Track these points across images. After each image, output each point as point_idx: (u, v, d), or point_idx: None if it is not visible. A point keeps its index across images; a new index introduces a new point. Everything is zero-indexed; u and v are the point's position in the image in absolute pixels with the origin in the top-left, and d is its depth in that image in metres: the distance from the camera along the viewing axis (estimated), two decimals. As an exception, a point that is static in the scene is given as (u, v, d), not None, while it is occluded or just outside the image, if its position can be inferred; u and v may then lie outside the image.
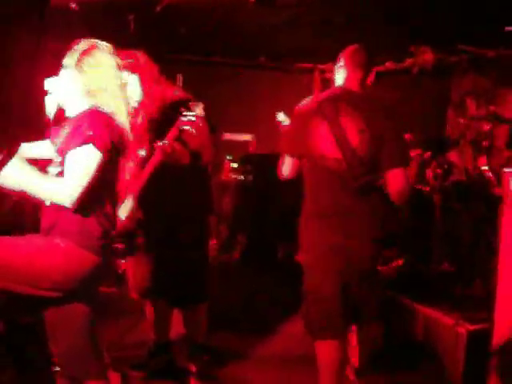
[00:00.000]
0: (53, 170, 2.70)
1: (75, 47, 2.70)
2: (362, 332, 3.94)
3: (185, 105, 3.54)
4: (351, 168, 3.13)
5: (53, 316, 2.71)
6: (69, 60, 2.72)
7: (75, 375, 2.79)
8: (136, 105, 3.66)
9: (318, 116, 3.24)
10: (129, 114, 2.83)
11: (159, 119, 3.65)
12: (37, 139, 2.90)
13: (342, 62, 3.41)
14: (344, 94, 3.30)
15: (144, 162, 3.57)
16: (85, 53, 2.70)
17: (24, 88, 3.87)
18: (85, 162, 2.53)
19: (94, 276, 2.69)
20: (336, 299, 3.21)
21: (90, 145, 2.52)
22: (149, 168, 3.51)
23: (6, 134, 3.87)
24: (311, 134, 3.26)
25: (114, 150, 2.63)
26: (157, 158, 3.52)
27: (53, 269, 2.58)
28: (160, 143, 3.48)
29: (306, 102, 3.44)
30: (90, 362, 2.78)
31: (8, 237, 2.68)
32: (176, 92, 3.89)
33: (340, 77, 3.39)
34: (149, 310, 4.08)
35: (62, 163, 2.61)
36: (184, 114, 3.52)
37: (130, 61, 3.61)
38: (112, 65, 2.75)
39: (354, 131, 3.14)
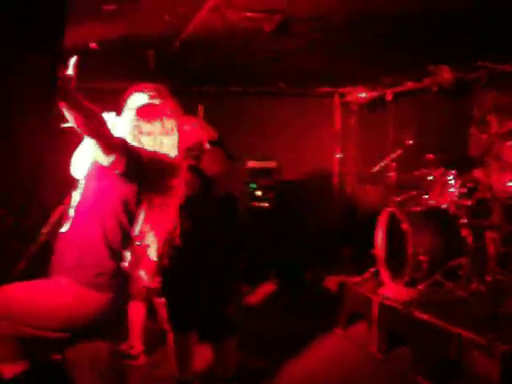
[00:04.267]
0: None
1: None
2: None
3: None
4: None
5: (74, 356, 2.71)
6: None
7: None
8: None
9: None
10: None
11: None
12: None
13: None
14: None
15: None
16: None
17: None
18: None
19: (105, 314, 2.67)
20: None
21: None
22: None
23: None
24: None
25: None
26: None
27: (56, 310, 2.60)
28: None
29: None
30: None
31: (16, 283, 2.71)
32: (194, 125, 3.92)
33: None
34: (173, 344, 4.05)
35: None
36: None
37: (152, 91, 3.67)
38: None
39: None
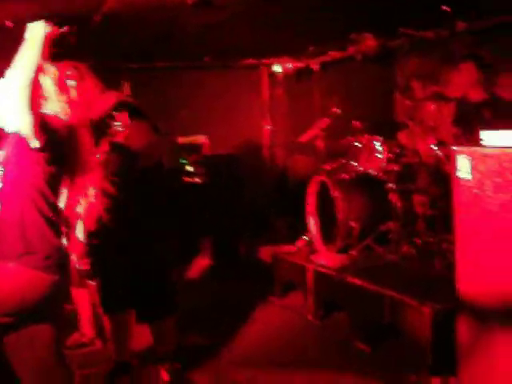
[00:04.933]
0: None
1: None
2: None
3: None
4: None
5: (14, 340, 2.65)
6: None
7: None
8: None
9: None
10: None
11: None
12: None
13: None
14: None
15: None
16: None
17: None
18: None
19: (52, 296, 2.65)
20: None
21: None
22: None
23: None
24: None
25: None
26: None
27: (7, 295, 2.56)
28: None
29: None
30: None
31: None
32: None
33: None
34: (109, 327, 4.02)
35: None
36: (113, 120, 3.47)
37: (71, 70, 3.60)
38: None
39: None
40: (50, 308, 2.70)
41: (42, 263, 2.61)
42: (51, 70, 2.89)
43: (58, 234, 2.74)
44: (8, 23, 4.89)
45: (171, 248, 4.31)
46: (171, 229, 4.38)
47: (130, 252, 3.79)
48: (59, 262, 2.68)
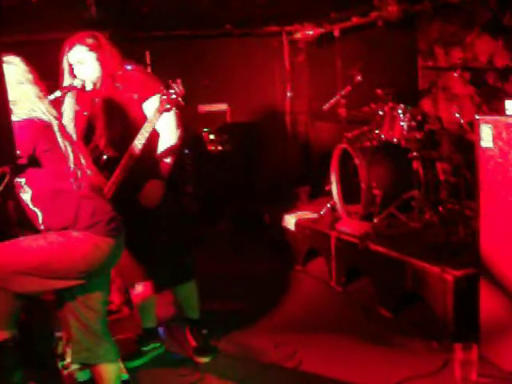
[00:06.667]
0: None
1: None
2: None
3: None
4: None
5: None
6: None
7: (87, 361, 3.02)
8: (91, 85, 3.68)
9: None
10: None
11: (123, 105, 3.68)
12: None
13: None
14: None
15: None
16: None
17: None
18: None
19: (111, 256, 2.93)
20: None
21: None
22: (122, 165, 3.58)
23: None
24: None
25: None
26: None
27: (78, 259, 2.80)
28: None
29: None
30: (102, 343, 2.99)
31: (28, 239, 2.86)
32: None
33: None
34: (134, 297, 4.11)
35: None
36: (166, 91, 3.52)
37: (90, 41, 3.65)
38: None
39: None
40: (109, 267, 3.02)
41: (107, 227, 2.86)
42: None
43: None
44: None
45: (189, 211, 4.34)
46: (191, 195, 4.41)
47: (145, 221, 3.82)
48: (117, 226, 2.93)
